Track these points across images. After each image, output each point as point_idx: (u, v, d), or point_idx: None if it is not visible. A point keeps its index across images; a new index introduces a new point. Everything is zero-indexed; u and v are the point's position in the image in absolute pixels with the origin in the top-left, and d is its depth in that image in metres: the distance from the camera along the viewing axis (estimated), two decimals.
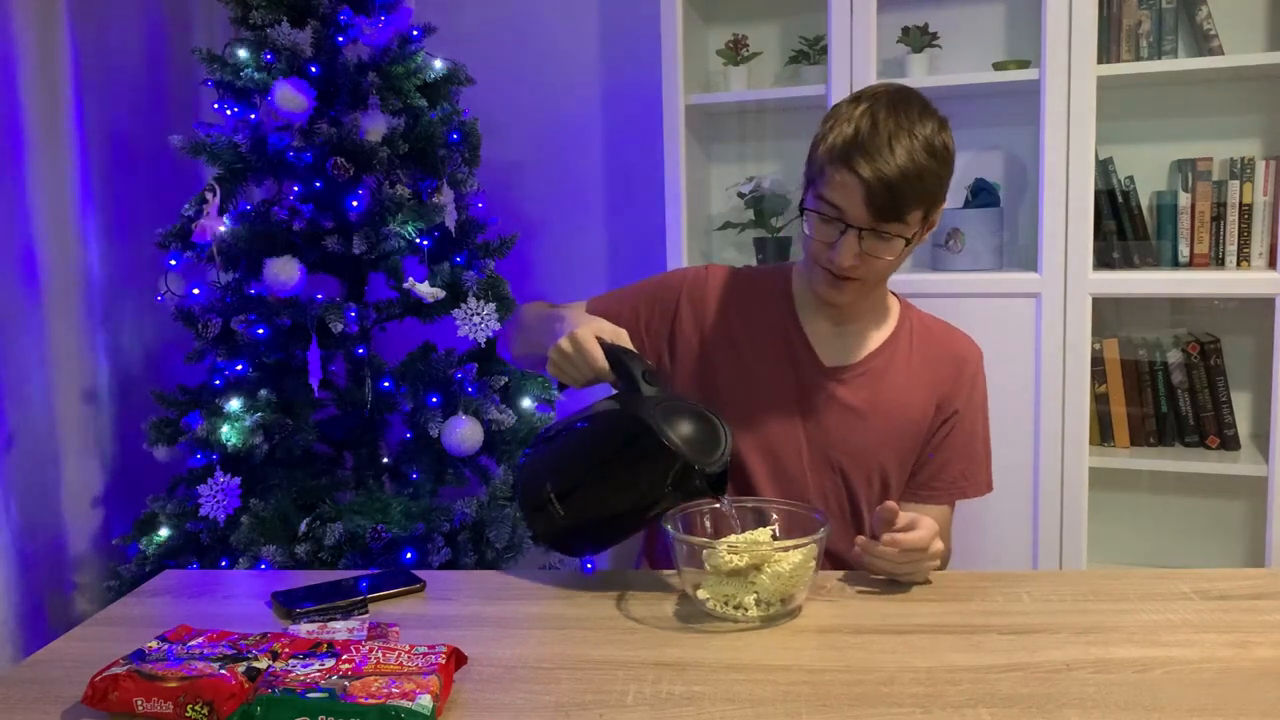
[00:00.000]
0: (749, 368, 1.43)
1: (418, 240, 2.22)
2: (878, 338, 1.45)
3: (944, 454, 1.47)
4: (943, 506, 1.48)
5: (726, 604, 1.12)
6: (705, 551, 1.14)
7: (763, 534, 1.18)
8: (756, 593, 1.11)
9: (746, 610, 1.11)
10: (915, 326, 1.48)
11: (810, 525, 1.18)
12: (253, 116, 2.19)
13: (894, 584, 1.23)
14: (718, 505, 1.21)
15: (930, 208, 1.31)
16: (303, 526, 2.09)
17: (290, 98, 2.11)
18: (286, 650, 0.98)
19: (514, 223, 2.61)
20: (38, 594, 2.24)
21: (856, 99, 1.31)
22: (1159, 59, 2.24)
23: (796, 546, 1.12)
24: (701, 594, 1.14)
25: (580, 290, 1.45)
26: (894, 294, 1.52)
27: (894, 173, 1.23)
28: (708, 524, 1.23)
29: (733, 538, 1.17)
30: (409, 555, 2.09)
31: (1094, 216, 2.18)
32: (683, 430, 1.15)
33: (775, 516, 1.24)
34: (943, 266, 2.39)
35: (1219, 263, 2.25)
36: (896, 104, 1.29)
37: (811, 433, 1.42)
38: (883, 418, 1.42)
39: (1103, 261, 2.30)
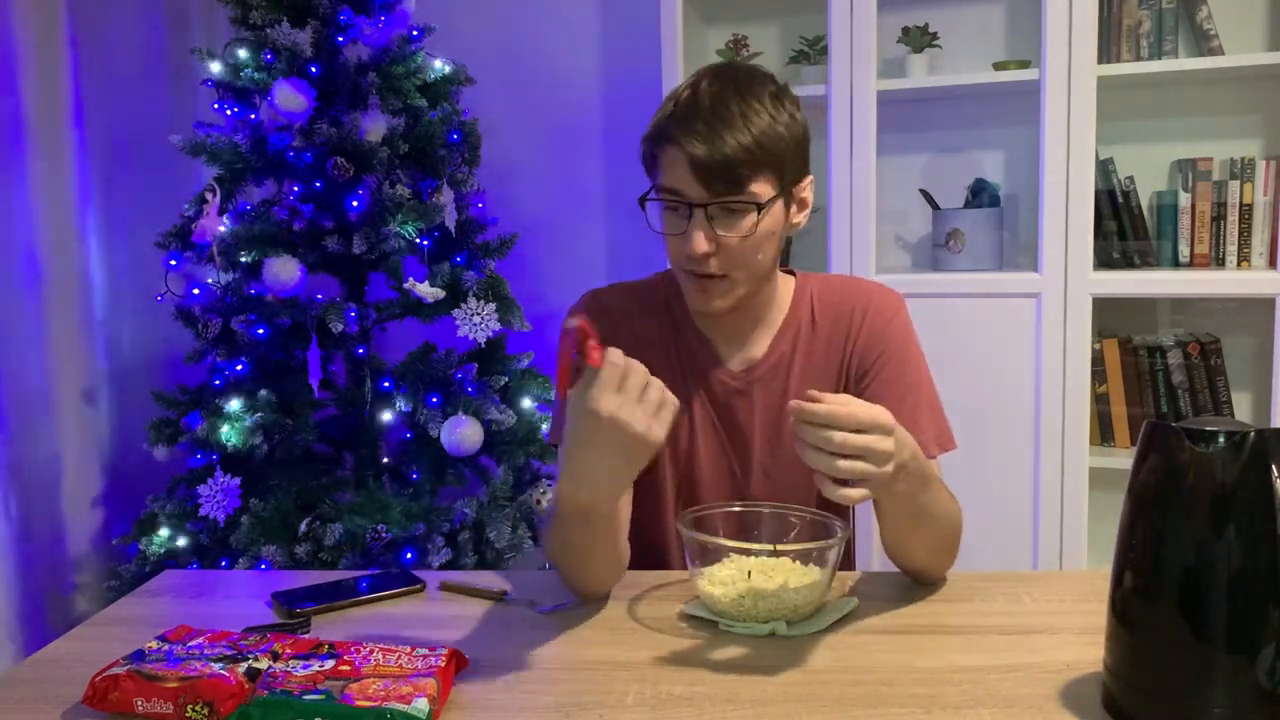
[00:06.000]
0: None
1: (418, 240, 2.22)
2: (777, 319, 1.32)
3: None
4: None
5: (737, 614, 1.11)
6: (699, 569, 1.14)
7: (764, 564, 1.15)
8: (759, 616, 1.10)
9: (761, 623, 1.10)
10: (815, 291, 1.34)
11: (827, 535, 1.15)
12: (253, 116, 2.19)
13: (893, 583, 1.23)
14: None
15: (781, 173, 1.18)
16: (303, 526, 2.09)
17: (290, 98, 2.11)
18: (287, 651, 0.98)
19: (514, 223, 2.61)
20: (38, 594, 2.24)
21: (687, 82, 1.20)
22: (1159, 59, 2.24)
23: (798, 568, 1.12)
24: (708, 589, 1.13)
25: (580, 290, 1.42)
26: (790, 271, 1.37)
27: (719, 137, 1.12)
28: (720, 530, 1.19)
29: (727, 566, 1.15)
30: (409, 555, 2.08)
31: (1094, 216, 2.18)
32: None
33: (796, 524, 1.20)
34: (943, 266, 2.39)
35: (1219, 263, 2.25)
36: (722, 73, 1.19)
37: (738, 446, 1.31)
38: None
39: (1103, 261, 2.30)
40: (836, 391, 1.29)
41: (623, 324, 1.32)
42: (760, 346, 1.31)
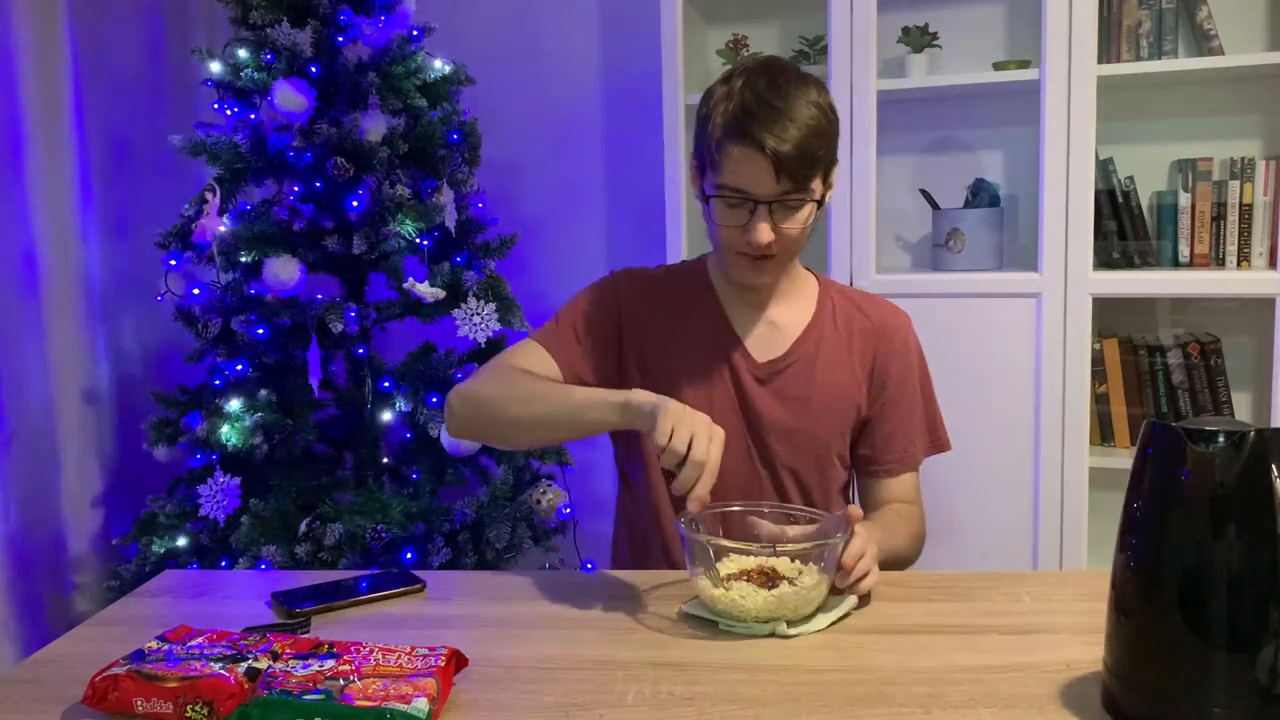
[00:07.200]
0: (686, 371, 1.39)
1: (418, 240, 2.22)
2: (802, 320, 1.43)
3: (888, 425, 1.44)
4: (902, 478, 1.46)
5: (736, 615, 1.11)
6: (701, 572, 1.14)
7: (768, 561, 1.15)
8: (759, 616, 1.10)
9: (760, 623, 1.10)
10: (836, 301, 1.46)
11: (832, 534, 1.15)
12: (253, 116, 2.19)
13: (893, 583, 1.23)
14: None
15: (828, 169, 1.30)
16: (303, 526, 2.09)
17: (290, 98, 2.11)
18: (287, 651, 0.98)
19: (514, 223, 2.61)
20: (38, 594, 2.24)
21: (728, 77, 1.29)
22: (1159, 59, 2.24)
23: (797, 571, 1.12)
24: (710, 592, 1.13)
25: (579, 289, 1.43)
26: (808, 269, 1.49)
27: (793, 138, 1.22)
28: (720, 530, 1.20)
29: (729, 564, 1.15)
30: (409, 555, 2.09)
31: (1094, 216, 2.18)
32: None
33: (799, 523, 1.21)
34: (943, 266, 2.39)
35: (1219, 263, 2.24)
36: (771, 71, 1.27)
37: (755, 433, 1.39)
38: (820, 403, 1.40)
39: (1103, 261, 2.30)
40: (853, 395, 1.42)
41: (658, 307, 1.41)
42: (785, 342, 1.41)
